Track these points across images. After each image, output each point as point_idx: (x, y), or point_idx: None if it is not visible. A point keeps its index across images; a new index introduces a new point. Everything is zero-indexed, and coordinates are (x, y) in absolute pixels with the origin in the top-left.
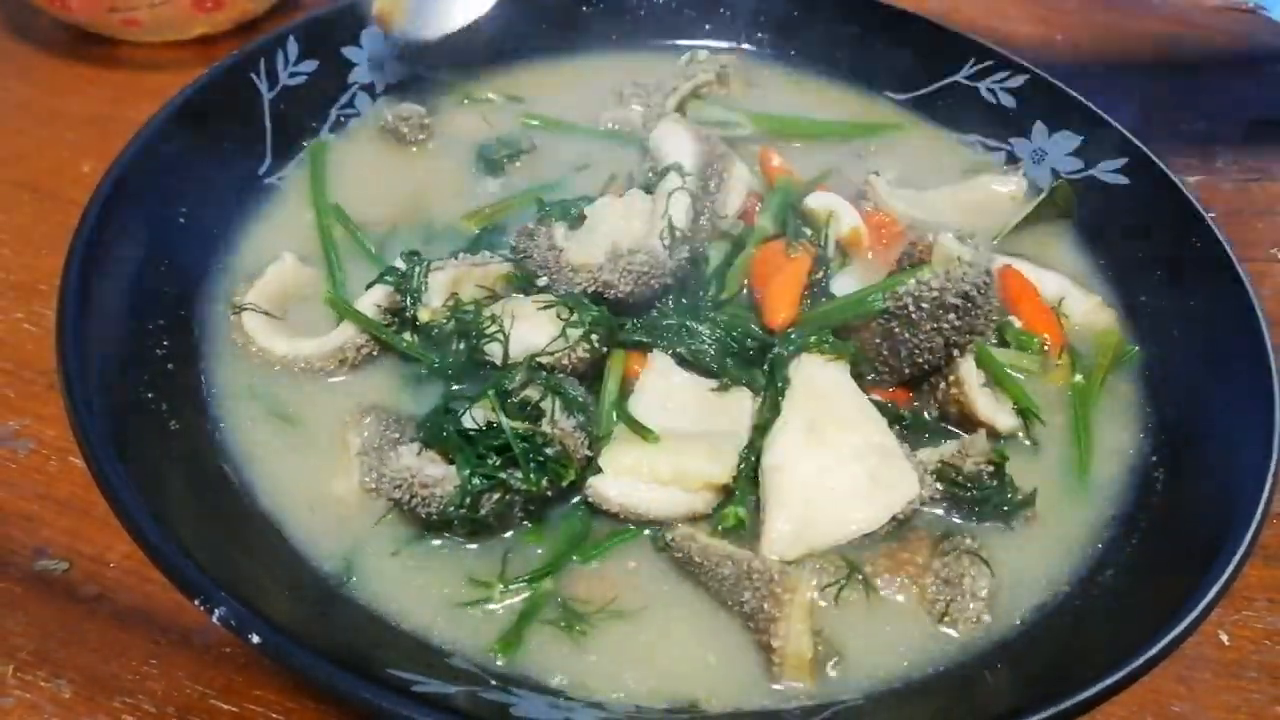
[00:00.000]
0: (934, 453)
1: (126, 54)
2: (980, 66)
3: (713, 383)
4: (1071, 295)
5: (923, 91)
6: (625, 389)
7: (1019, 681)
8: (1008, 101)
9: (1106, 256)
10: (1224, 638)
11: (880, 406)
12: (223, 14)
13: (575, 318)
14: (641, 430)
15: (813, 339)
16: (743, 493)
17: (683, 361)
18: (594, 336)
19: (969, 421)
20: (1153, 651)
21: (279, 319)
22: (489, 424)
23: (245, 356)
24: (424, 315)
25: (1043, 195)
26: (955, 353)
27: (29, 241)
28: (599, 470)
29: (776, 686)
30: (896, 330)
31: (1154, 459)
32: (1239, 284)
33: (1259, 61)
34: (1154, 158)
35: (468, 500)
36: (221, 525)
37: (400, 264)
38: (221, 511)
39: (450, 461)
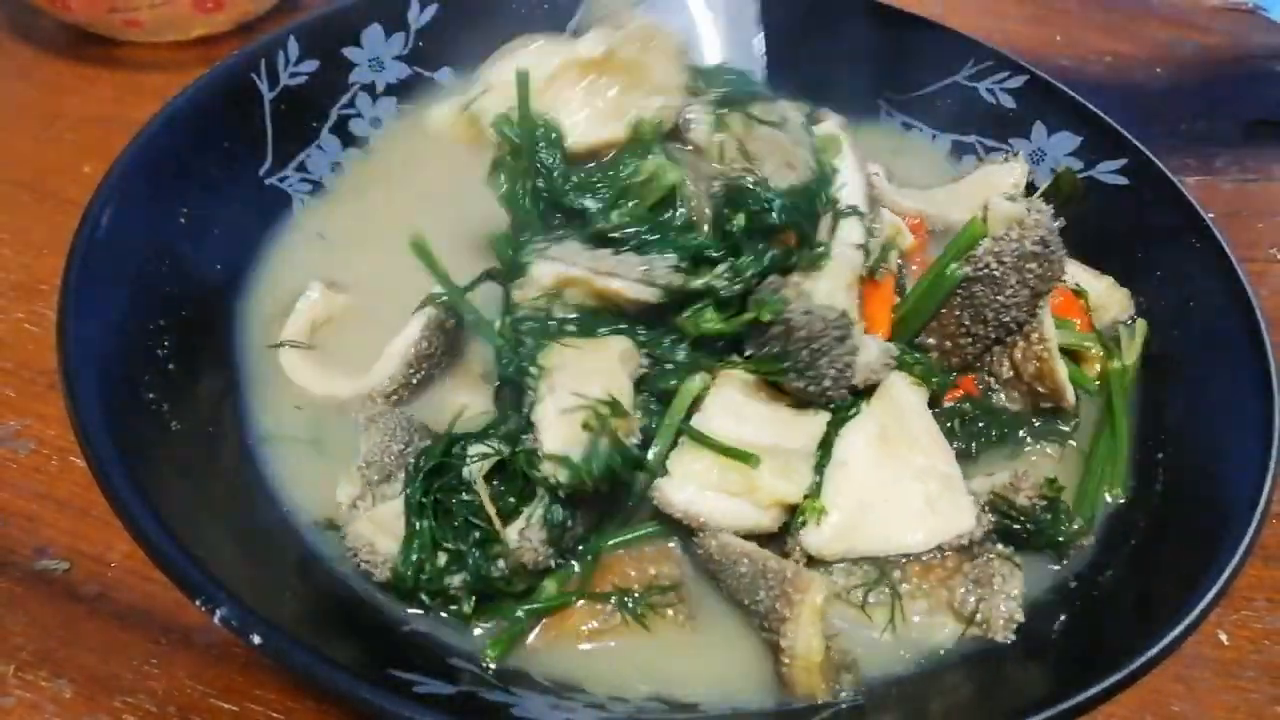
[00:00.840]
0: (985, 482)
1: (127, 54)
2: (980, 67)
3: (789, 398)
4: (1083, 279)
5: (922, 92)
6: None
7: (1019, 682)
8: (1007, 102)
9: (1106, 257)
10: (1223, 637)
11: (947, 413)
12: (223, 14)
13: (588, 461)
14: (738, 454)
15: (906, 357)
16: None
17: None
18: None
19: (1044, 383)
20: (1152, 651)
21: (315, 349)
22: (461, 498)
23: (252, 359)
24: (517, 295)
25: (1047, 185)
26: (1039, 303)
27: (29, 241)
28: (665, 473)
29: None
30: (980, 293)
31: (1153, 458)
32: (1239, 284)
33: (1259, 61)
34: (1153, 158)
35: (405, 585)
36: (223, 525)
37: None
38: (223, 511)
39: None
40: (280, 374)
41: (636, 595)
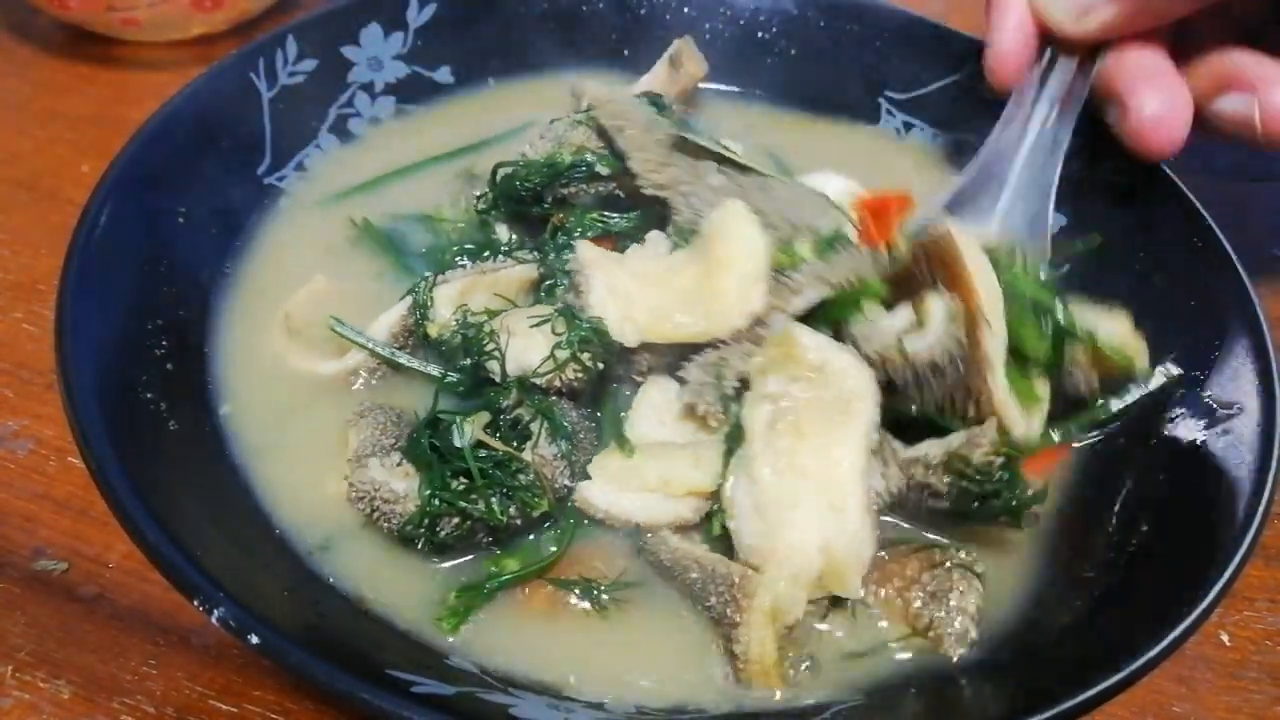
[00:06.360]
0: (939, 444)
1: (125, 53)
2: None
3: None
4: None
5: (923, 91)
6: (626, 405)
7: (1020, 682)
8: None
9: (1106, 257)
10: (1225, 638)
11: None
12: (221, 13)
13: (565, 337)
14: (621, 442)
15: None
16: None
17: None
18: (585, 356)
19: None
20: (1153, 652)
21: (309, 337)
22: (475, 443)
23: (249, 358)
24: (432, 331)
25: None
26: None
27: (28, 241)
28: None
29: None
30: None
31: (1154, 458)
32: (1240, 284)
33: None
34: None
35: (426, 521)
36: (221, 525)
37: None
38: (221, 511)
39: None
40: (276, 369)
41: (602, 587)
